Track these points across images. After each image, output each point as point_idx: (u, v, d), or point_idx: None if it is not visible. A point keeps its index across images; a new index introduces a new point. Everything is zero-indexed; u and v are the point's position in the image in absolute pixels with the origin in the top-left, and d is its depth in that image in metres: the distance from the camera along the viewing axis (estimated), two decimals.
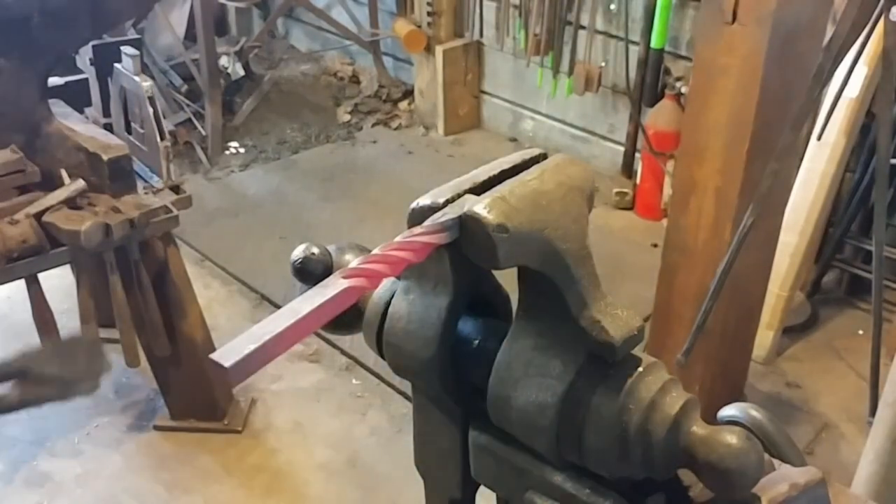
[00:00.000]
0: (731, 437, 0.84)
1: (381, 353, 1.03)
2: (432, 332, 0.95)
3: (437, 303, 0.95)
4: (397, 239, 0.81)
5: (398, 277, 0.99)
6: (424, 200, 0.89)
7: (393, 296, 1.00)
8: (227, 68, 4.95)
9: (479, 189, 0.89)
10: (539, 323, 0.91)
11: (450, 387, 0.99)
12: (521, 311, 0.93)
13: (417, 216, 0.88)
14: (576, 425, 0.89)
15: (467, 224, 0.83)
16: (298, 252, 1.06)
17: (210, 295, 3.56)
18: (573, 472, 0.94)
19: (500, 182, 0.89)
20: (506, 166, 0.93)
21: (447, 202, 0.87)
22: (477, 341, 0.99)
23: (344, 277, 0.76)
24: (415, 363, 0.98)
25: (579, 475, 0.93)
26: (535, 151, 0.96)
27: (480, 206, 0.83)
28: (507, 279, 0.97)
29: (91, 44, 2.76)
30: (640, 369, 0.89)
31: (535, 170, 0.91)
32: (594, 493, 0.92)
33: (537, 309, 0.91)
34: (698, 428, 0.87)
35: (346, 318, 1.02)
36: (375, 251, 0.80)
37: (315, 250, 1.06)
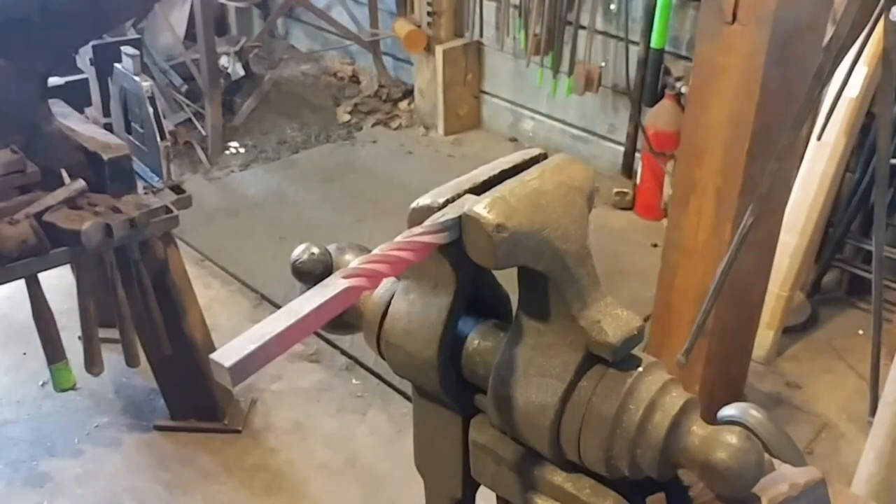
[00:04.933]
0: (731, 437, 0.84)
1: (381, 353, 1.03)
2: (432, 332, 0.95)
3: (437, 303, 0.95)
4: (397, 239, 0.81)
5: (398, 277, 0.99)
6: (424, 200, 0.89)
7: (393, 296, 1.00)
8: (227, 68, 4.95)
9: (479, 189, 0.89)
10: (539, 323, 0.91)
11: (450, 387, 0.99)
12: (520, 311, 0.93)
13: (417, 216, 0.88)
14: (576, 425, 0.89)
15: (467, 224, 0.83)
16: (298, 252, 1.06)
17: (210, 295, 3.56)
18: (573, 473, 0.94)
19: (500, 182, 0.89)
20: (506, 166, 0.93)
21: (447, 202, 0.87)
22: (477, 341, 0.99)
23: (344, 277, 0.76)
24: (415, 363, 0.98)
25: (579, 475, 0.93)
26: (536, 151, 0.96)
27: (480, 206, 0.83)
28: (507, 279, 0.97)
29: (91, 44, 2.76)
30: (640, 369, 0.89)
31: (535, 170, 0.91)
32: (594, 493, 0.92)
33: (537, 309, 0.91)
34: (698, 428, 0.87)
35: (346, 318, 1.03)
36: (375, 251, 0.80)
37: (315, 250, 1.06)
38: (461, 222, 0.83)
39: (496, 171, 0.92)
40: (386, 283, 1.02)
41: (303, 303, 0.74)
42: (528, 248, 0.85)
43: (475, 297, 0.99)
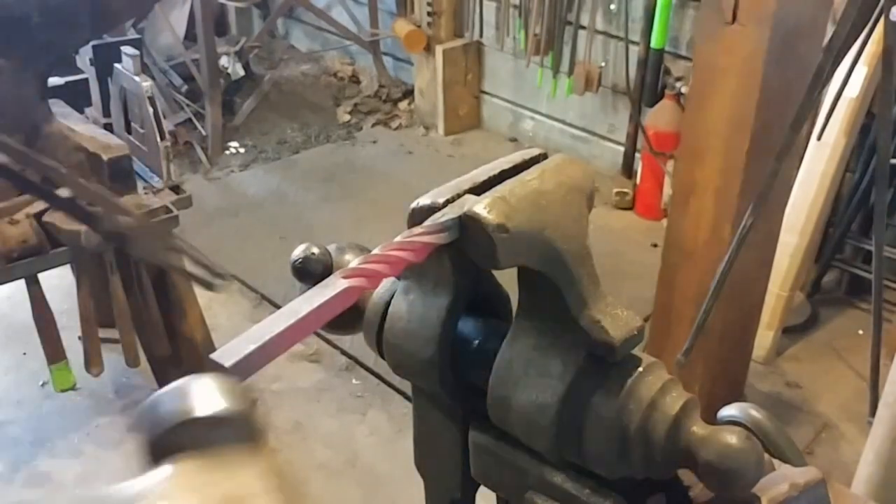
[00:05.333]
0: (731, 437, 0.84)
1: (381, 353, 1.03)
2: (432, 332, 0.95)
3: (437, 303, 0.95)
4: (397, 239, 0.81)
5: (398, 277, 0.99)
6: (424, 200, 0.89)
7: (393, 296, 1.00)
8: (227, 68, 4.95)
9: (480, 189, 0.89)
10: (539, 323, 0.91)
11: (450, 387, 0.99)
12: (521, 311, 0.93)
13: (417, 216, 0.88)
14: (576, 425, 0.89)
15: (467, 224, 0.83)
16: (298, 252, 1.06)
17: (210, 295, 3.54)
18: (573, 473, 0.94)
19: (500, 182, 0.89)
20: (506, 166, 0.93)
21: (447, 202, 0.87)
22: (477, 341, 0.99)
23: (344, 277, 0.76)
24: (415, 363, 0.98)
25: (579, 475, 0.93)
26: (536, 151, 0.96)
27: (480, 206, 0.83)
28: (508, 279, 0.97)
29: (91, 44, 2.76)
30: (641, 369, 0.89)
31: (535, 170, 0.91)
32: (594, 493, 0.92)
33: (537, 309, 0.91)
34: (698, 428, 0.87)
35: (346, 318, 1.02)
36: (375, 251, 0.80)
37: (315, 250, 1.06)
38: (461, 222, 0.83)
39: (496, 172, 0.92)
40: (386, 283, 1.02)
41: (302, 303, 0.74)
42: (529, 249, 0.85)
43: (475, 297, 0.99)
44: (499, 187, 0.87)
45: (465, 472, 1.04)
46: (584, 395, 0.88)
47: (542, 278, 0.87)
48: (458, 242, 0.84)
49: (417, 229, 0.83)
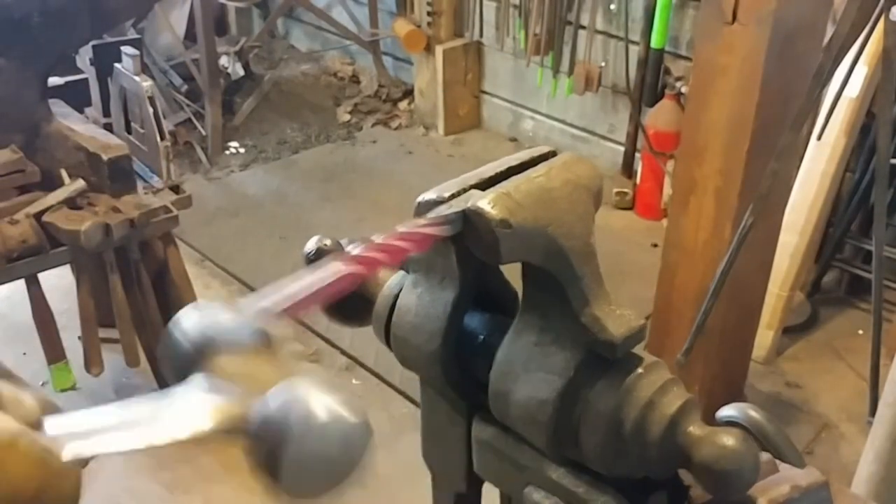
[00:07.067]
0: (728, 439, 0.83)
1: (389, 346, 1.03)
2: (438, 326, 0.95)
3: (443, 297, 0.95)
4: (399, 229, 0.82)
5: (407, 271, 0.99)
6: (430, 195, 0.89)
7: (402, 289, 1.00)
8: (227, 68, 4.95)
9: (485, 185, 0.89)
10: (541, 319, 0.91)
11: (454, 381, 0.99)
12: (524, 307, 0.93)
13: (423, 210, 0.88)
14: (574, 422, 0.89)
15: (471, 218, 0.83)
16: (311, 244, 1.06)
17: (210, 295, 3.55)
18: (572, 469, 0.94)
19: (506, 178, 0.89)
20: (513, 163, 0.93)
21: (452, 196, 0.87)
22: (482, 336, 0.99)
23: (342, 264, 0.76)
24: (420, 357, 0.98)
25: (578, 471, 0.93)
26: (545, 149, 0.96)
27: (484, 201, 0.83)
28: (518, 276, 0.97)
29: (91, 44, 2.76)
30: (641, 368, 0.89)
31: (542, 167, 0.91)
32: (592, 489, 0.92)
33: (540, 305, 0.91)
34: (695, 428, 0.86)
35: (356, 309, 1.03)
36: (377, 239, 0.80)
37: (328, 242, 1.06)
38: (465, 216, 0.83)
39: (503, 168, 0.92)
40: (396, 277, 1.02)
41: (297, 285, 0.74)
42: (532, 245, 0.85)
43: (485, 292, 0.99)
44: (504, 183, 0.88)
45: (469, 466, 1.05)
46: (583, 391, 0.88)
47: (546, 275, 0.87)
48: (462, 236, 0.84)
49: (420, 220, 0.83)
